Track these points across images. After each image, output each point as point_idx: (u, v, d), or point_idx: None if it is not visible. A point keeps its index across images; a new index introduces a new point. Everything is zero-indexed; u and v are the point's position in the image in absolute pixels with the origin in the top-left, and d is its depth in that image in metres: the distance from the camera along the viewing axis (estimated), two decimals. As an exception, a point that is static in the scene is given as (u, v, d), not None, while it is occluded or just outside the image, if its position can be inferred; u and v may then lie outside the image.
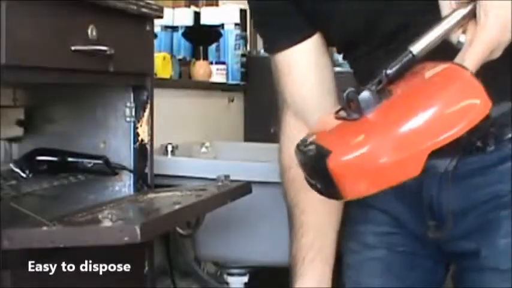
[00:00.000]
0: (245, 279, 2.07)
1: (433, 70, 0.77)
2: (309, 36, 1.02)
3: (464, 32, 0.79)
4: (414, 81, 0.78)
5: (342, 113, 0.79)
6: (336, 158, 0.72)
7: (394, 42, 0.92)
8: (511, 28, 0.76)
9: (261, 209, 1.83)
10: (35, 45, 1.13)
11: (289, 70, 1.05)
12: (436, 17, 0.81)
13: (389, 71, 0.78)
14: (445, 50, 0.79)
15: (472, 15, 0.78)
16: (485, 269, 0.98)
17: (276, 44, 1.05)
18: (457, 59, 0.76)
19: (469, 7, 0.78)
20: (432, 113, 0.70)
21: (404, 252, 1.07)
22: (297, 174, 1.02)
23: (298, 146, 0.83)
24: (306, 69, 1.04)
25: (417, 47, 0.79)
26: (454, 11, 0.79)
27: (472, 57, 0.75)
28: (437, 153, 0.71)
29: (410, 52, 0.79)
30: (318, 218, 1.06)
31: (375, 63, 0.97)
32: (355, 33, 0.97)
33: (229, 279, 2.07)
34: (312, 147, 0.79)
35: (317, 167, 0.75)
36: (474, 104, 0.71)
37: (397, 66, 0.79)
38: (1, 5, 1.05)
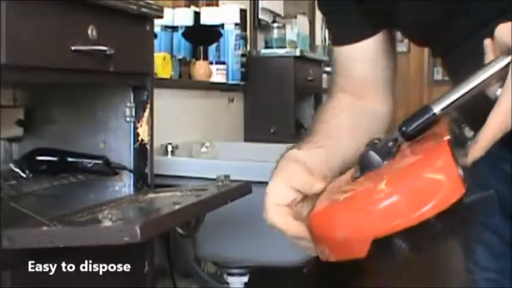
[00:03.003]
0: (245, 279, 2.07)
1: (430, 142, 0.70)
2: (370, 35, 0.99)
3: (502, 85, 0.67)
4: (411, 151, 0.72)
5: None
6: (310, 217, 0.74)
7: (468, 44, 0.86)
8: None
9: (261, 209, 1.83)
10: (35, 45, 1.13)
11: (347, 65, 1.03)
12: None
13: (407, 129, 0.72)
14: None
15: None
16: None
17: (338, 39, 1.03)
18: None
19: (510, 57, 0.66)
20: (389, 202, 0.65)
21: None
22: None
23: None
24: (363, 65, 1.02)
25: (439, 106, 0.70)
26: (494, 60, 0.69)
27: (480, 141, 0.67)
28: None
29: (431, 110, 0.71)
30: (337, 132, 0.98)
31: (452, 63, 0.92)
32: (425, 33, 0.93)
33: (229, 279, 2.08)
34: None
35: None
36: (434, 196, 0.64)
37: (414, 125, 0.71)
38: (1, 5, 1.05)
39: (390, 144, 0.74)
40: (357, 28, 0.99)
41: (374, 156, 0.73)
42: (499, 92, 0.67)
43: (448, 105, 0.70)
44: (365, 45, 0.99)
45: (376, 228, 0.65)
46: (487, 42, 0.71)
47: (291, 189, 0.85)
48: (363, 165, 0.74)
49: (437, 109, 0.70)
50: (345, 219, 0.68)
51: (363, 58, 1.01)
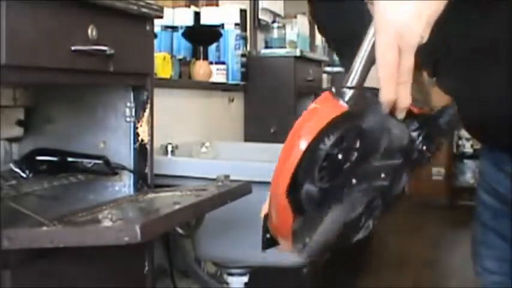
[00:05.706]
0: (245, 279, 2.07)
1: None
2: None
3: None
4: None
5: None
6: None
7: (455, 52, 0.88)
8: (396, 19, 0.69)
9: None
10: (35, 45, 1.13)
11: None
12: None
13: None
14: None
15: None
16: None
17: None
18: None
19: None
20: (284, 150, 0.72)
21: None
22: None
23: None
24: None
25: (351, 81, 0.73)
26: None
27: (381, 83, 0.72)
28: None
29: (348, 88, 0.74)
30: None
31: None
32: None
33: (229, 279, 2.08)
34: None
35: None
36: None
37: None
38: (1, 5, 1.05)
39: None
40: None
41: None
42: None
43: (360, 75, 0.73)
44: None
45: (283, 174, 0.73)
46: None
47: None
48: None
49: (352, 84, 0.74)
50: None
51: None
